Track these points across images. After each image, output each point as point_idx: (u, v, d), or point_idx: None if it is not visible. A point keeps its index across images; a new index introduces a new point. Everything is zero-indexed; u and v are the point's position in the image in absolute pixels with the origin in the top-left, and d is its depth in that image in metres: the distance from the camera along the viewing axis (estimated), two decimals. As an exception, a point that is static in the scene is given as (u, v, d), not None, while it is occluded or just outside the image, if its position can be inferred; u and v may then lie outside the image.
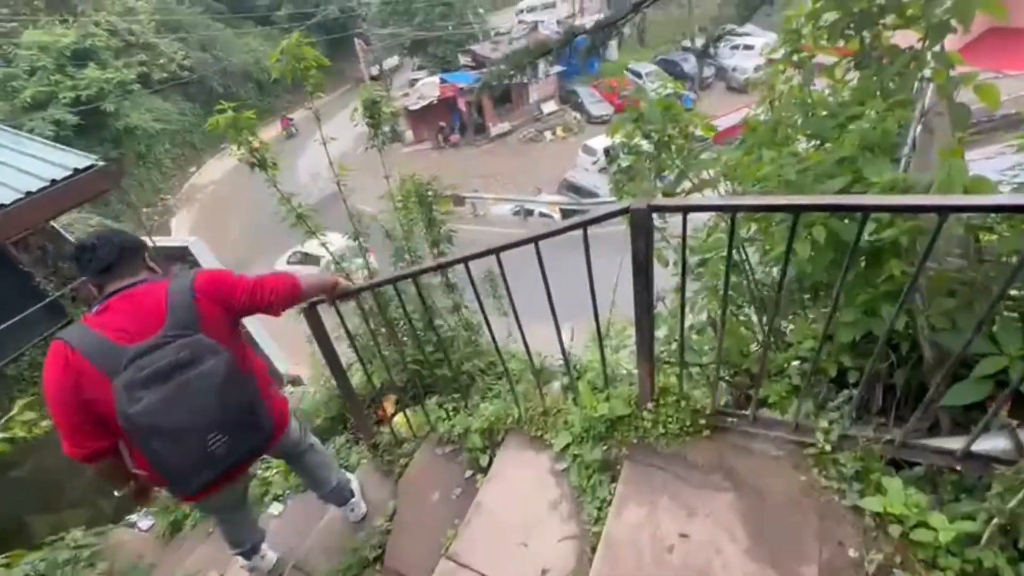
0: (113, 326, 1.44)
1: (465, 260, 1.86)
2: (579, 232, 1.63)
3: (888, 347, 1.82)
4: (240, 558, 2.35)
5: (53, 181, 4.28)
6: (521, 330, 2.07)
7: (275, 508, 3.05)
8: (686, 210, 1.43)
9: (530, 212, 16.49)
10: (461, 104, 22.87)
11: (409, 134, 23.82)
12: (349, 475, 2.54)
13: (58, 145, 4.68)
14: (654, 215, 1.47)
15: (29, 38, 18.60)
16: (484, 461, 2.37)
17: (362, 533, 2.37)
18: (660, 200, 1.51)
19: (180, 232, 19.95)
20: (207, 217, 21.09)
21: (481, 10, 26.65)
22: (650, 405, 1.99)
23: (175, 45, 23.74)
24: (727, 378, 2.68)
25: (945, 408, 1.74)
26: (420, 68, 25.28)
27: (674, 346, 2.34)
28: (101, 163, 4.48)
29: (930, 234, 1.22)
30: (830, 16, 2.20)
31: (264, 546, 2.39)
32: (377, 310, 3.22)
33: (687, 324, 2.67)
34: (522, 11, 29.75)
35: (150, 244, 5.31)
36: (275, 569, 2.41)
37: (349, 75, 27.83)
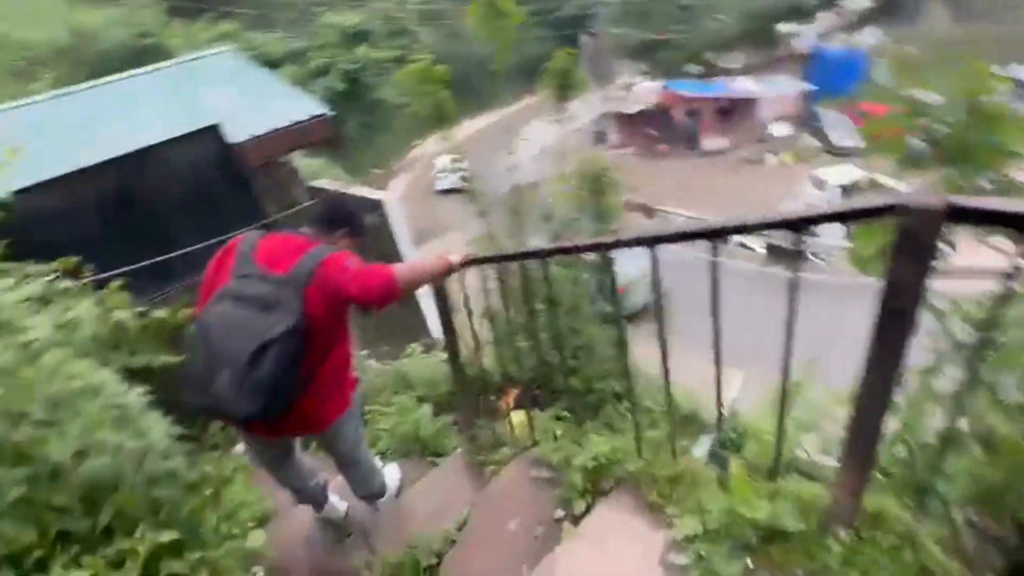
0: (268, 250, 1.61)
1: (585, 249, 1.38)
2: (785, 273, 1.03)
3: None
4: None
5: (296, 122, 4.99)
6: (664, 358, 1.52)
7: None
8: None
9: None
10: (677, 114, 21.65)
11: (615, 137, 23.47)
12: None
13: (303, 93, 5.46)
14: (947, 226, 0.80)
15: (326, 19, 23.40)
16: (580, 507, 1.87)
17: (428, 532, 2.09)
18: (969, 200, 0.82)
19: (397, 191, 22.92)
20: (417, 183, 23.81)
21: (723, 17, 24.66)
22: (844, 533, 1.26)
23: (432, 33, 27.21)
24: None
25: None
26: (644, 73, 24.55)
27: (905, 453, 1.50)
28: (330, 113, 5.08)
29: None
30: None
31: (334, 499, 2.30)
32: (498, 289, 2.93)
33: (933, 427, 1.77)
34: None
35: (351, 193, 5.98)
36: (342, 523, 2.33)
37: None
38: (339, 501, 2.32)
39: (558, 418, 2.48)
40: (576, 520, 1.85)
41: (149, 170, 4.02)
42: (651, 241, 1.32)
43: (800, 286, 1.17)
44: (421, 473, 2.63)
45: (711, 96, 21.35)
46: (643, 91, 22.12)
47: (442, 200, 18.80)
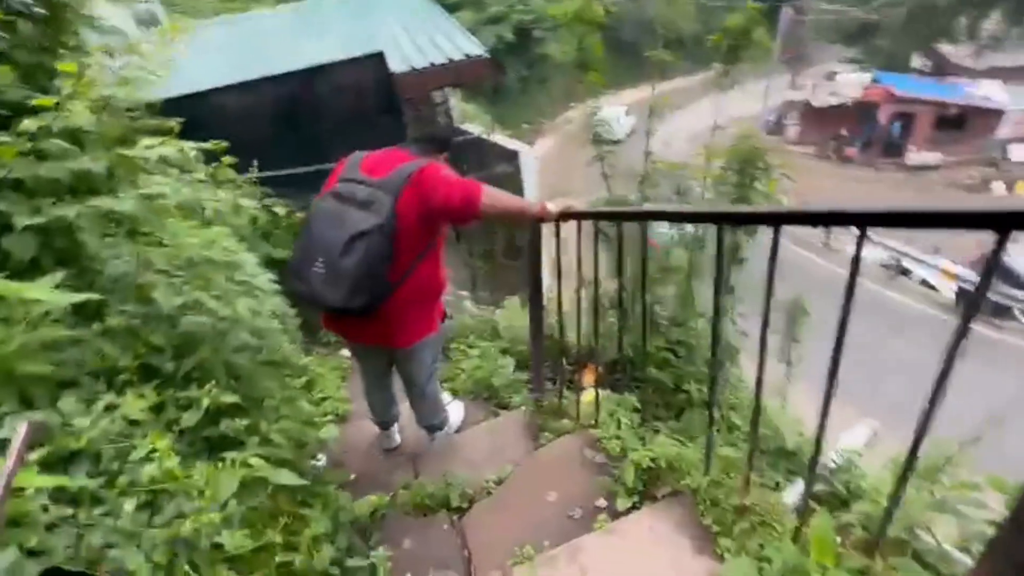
0: (373, 161, 1.74)
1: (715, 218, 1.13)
2: (979, 328, 0.72)
3: None
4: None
5: (452, 60, 5.10)
6: (762, 363, 1.24)
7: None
8: None
9: (906, 271, 12.38)
10: (884, 114, 18.29)
11: (795, 131, 20.70)
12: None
13: (468, 34, 5.52)
14: None
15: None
16: (624, 504, 1.69)
17: (469, 476, 2.06)
18: None
19: (540, 150, 22.89)
20: (562, 145, 23.42)
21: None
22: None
23: (618, -8, 25.98)
24: None
25: None
26: (851, 61, 20.96)
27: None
28: (487, 56, 5.08)
29: None
30: None
31: (395, 428, 2.39)
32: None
33: None
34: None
35: (491, 140, 6.04)
36: (395, 449, 2.42)
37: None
38: (396, 432, 2.43)
39: (635, 409, 2.26)
40: (616, 515, 1.68)
41: (317, 86, 4.43)
42: (775, 219, 1.03)
43: (967, 332, 0.84)
44: (482, 418, 2.62)
45: (936, 99, 17.59)
46: (845, 82, 18.96)
47: (580, 166, 18.49)
